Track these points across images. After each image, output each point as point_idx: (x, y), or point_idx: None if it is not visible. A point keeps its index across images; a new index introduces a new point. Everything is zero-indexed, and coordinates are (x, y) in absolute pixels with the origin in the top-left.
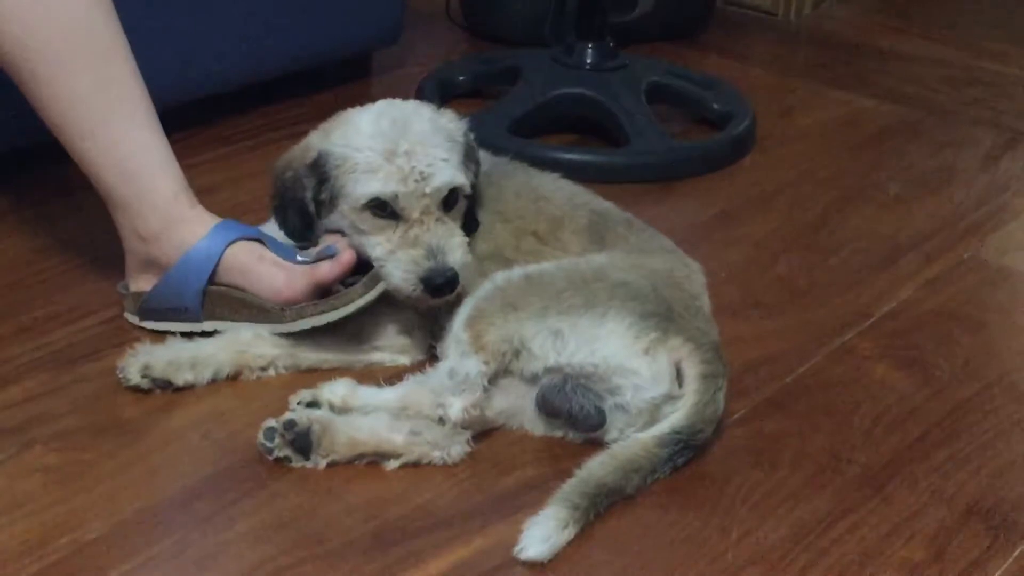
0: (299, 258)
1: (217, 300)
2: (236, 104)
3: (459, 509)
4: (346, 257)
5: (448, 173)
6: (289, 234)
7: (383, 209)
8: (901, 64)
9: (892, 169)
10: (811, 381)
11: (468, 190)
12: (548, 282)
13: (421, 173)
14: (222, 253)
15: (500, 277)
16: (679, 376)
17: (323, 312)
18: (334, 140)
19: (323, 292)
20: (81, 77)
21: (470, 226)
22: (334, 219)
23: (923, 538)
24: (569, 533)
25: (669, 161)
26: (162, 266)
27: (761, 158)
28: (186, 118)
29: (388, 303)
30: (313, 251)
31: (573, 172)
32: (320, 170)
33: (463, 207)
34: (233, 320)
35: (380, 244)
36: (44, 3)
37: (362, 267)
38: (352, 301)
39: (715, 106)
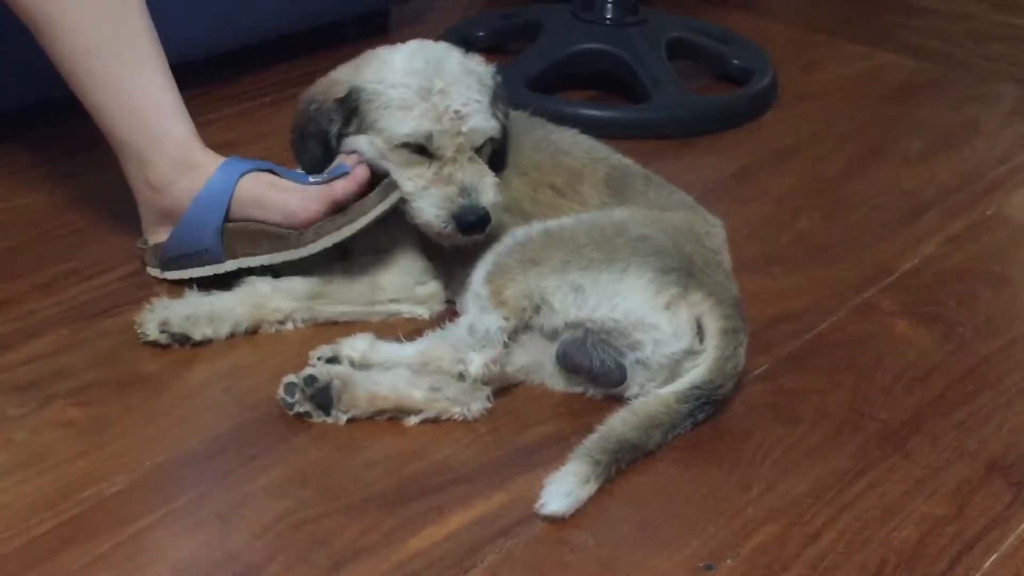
0: (311, 179)
1: (236, 236)
2: (255, 60)
3: (479, 464)
4: (360, 173)
5: (483, 117)
6: (306, 165)
7: (418, 149)
8: (923, 18)
9: (914, 125)
10: (832, 337)
11: (499, 135)
12: (568, 237)
13: (456, 112)
14: (234, 187)
15: (520, 232)
16: (700, 331)
17: (341, 226)
18: (366, 76)
19: (338, 211)
20: (95, 28)
21: (497, 167)
22: (353, 142)
23: (944, 494)
24: (590, 488)
25: (689, 117)
26: (176, 215)
27: (782, 114)
28: (205, 74)
29: (405, 253)
30: (324, 174)
31: (593, 128)
32: (350, 105)
33: (490, 149)
34: (254, 255)
35: (412, 180)
36: None
37: (375, 185)
38: (369, 211)
39: (736, 61)
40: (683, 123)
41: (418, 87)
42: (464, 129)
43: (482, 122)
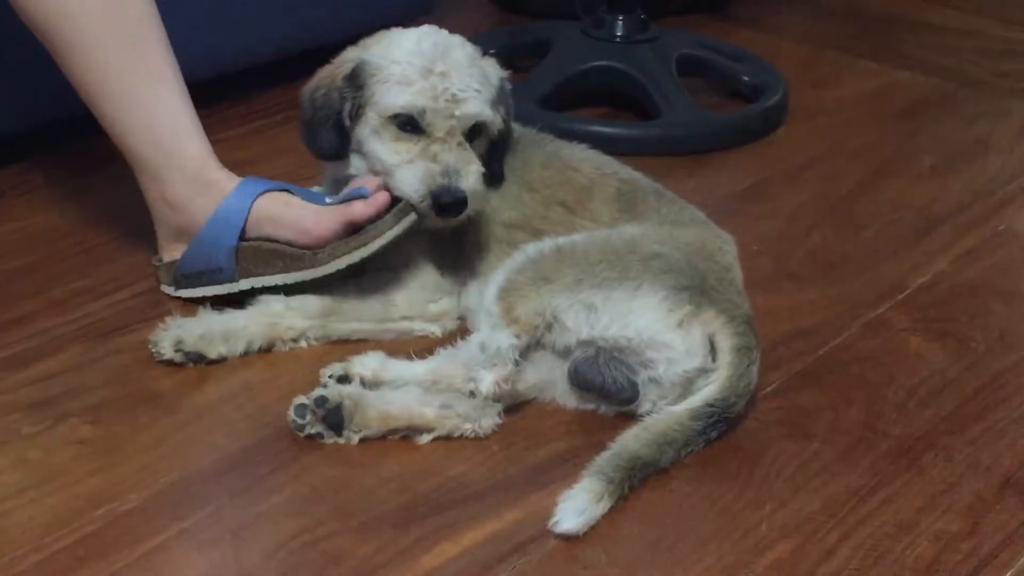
0: (327, 200)
1: (250, 256)
2: (267, 78)
3: (492, 482)
4: (381, 198)
5: (479, 104)
6: (321, 153)
7: (409, 124)
8: (934, 35)
9: (926, 141)
10: (845, 354)
11: (495, 131)
12: (580, 254)
13: (453, 95)
14: (250, 207)
15: (532, 249)
16: (712, 349)
17: (356, 248)
18: (373, 51)
19: (353, 232)
20: (112, 45)
21: (496, 174)
22: (360, 131)
23: (958, 511)
24: (604, 506)
25: (700, 134)
26: (192, 233)
27: (793, 130)
28: (216, 93)
29: (419, 270)
30: (341, 194)
31: (604, 145)
32: (357, 80)
33: (484, 145)
34: (268, 274)
35: (397, 153)
36: None
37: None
38: (383, 233)
39: (746, 78)
40: (694, 140)
41: (420, 66)
42: (458, 112)
43: (477, 108)
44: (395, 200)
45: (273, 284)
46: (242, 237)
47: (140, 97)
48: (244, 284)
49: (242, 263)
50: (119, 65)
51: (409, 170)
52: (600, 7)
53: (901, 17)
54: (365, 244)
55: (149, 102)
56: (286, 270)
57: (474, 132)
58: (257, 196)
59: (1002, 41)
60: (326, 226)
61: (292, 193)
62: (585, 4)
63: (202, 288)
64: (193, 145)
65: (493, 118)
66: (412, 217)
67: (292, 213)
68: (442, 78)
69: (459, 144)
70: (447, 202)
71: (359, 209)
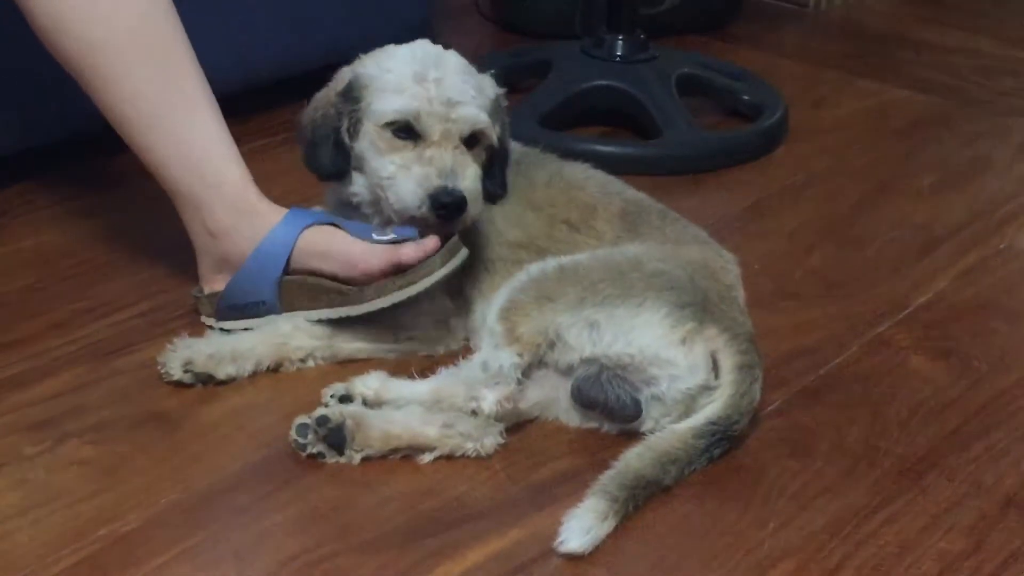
0: (375, 236)
1: (294, 290)
2: (266, 100)
3: (495, 501)
4: (430, 243)
5: (474, 110)
6: (322, 173)
7: (405, 131)
8: (933, 54)
9: (926, 160)
10: (847, 372)
11: (492, 141)
12: (583, 273)
13: (449, 99)
14: (296, 240)
15: (534, 268)
16: (715, 367)
17: (404, 287)
18: (366, 64)
19: (398, 272)
20: (144, 71)
21: (496, 194)
22: (359, 146)
23: (961, 529)
24: (609, 525)
25: (700, 153)
26: (235, 263)
27: (793, 149)
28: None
29: (424, 293)
30: (389, 230)
31: (605, 164)
32: (352, 94)
33: (482, 155)
34: (312, 308)
35: (393, 162)
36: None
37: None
38: (433, 272)
39: (746, 98)
40: (694, 159)
41: (413, 72)
42: (454, 116)
43: (474, 112)
44: (443, 241)
45: (318, 319)
46: (287, 270)
47: (176, 126)
48: (287, 318)
49: (286, 297)
50: (151, 92)
51: (404, 177)
52: (600, 27)
53: (900, 36)
54: (414, 283)
55: (185, 130)
56: (331, 305)
57: (472, 140)
58: (304, 229)
59: (1001, 59)
60: (373, 263)
61: (338, 227)
62: (585, 24)
63: (244, 320)
64: (233, 171)
65: (490, 126)
66: (462, 255)
67: (339, 247)
68: (437, 84)
69: (456, 148)
70: (446, 202)
71: (408, 252)
